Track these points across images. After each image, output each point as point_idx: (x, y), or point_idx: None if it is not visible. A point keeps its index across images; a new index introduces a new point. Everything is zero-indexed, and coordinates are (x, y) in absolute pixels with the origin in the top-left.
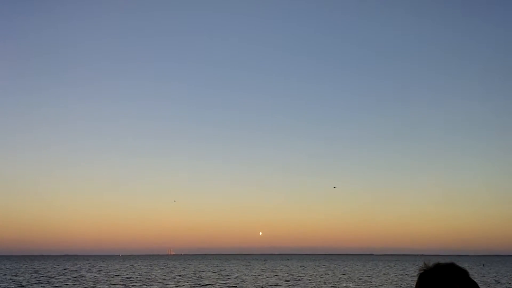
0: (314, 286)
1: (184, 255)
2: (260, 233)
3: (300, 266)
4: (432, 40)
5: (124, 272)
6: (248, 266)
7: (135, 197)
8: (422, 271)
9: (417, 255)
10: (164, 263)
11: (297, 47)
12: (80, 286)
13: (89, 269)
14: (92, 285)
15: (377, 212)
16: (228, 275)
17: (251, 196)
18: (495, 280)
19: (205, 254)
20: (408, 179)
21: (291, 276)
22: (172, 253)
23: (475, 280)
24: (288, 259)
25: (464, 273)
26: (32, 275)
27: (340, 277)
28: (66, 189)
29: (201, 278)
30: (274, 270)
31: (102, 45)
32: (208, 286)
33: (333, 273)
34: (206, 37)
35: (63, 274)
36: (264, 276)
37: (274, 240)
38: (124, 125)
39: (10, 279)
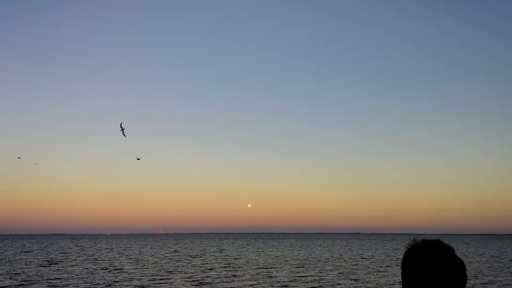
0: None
1: (173, 234)
2: (249, 205)
3: (299, 246)
4: (439, 31)
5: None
6: (253, 246)
7: (123, 176)
8: (409, 247)
9: (404, 233)
10: (162, 243)
11: (306, 33)
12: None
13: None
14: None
15: (365, 192)
16: (235, 258)
17: (239, 174)
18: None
19: (195, 233)
20: (396, 161)
21: (304, 256)
22: (161, 232)
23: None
24: (282, 239)
25: (450, 249)
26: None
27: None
28: (53, 169)
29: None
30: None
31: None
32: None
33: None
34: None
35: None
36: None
37: (262, 216)
38: (120, 105)
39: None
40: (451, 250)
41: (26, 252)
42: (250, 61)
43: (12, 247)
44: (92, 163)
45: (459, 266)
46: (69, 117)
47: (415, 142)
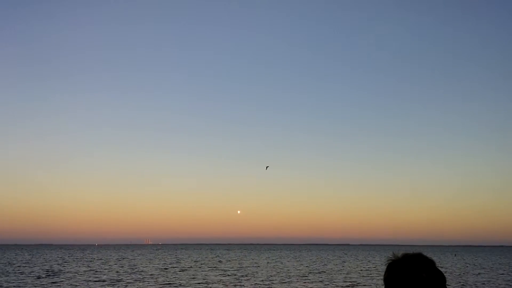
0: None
1: (161, 244)
2: (239, 212)
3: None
4: (439, 41)
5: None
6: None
7: (111, 186)
8: (390, 261)
9: (393, 245)
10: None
11: (302, 42)
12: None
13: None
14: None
15: (355, 203)
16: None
17: (229, 182)
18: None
19: (184, 244)
20: (386, 173)
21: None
22: (150, 242)
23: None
24: (274, 249)
25: (430, 262)
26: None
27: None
28: (39, 177)
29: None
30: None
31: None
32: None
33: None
34: (206, 29)
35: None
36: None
37: (252, 225)
38: (111, 114)
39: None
40: (431, 263)
41: (22, 263)
42: (246, 69)
43: (3, 258)
44: (80, 172)
45: (440, 278)
46: (58, 126)
47: (412, 153)
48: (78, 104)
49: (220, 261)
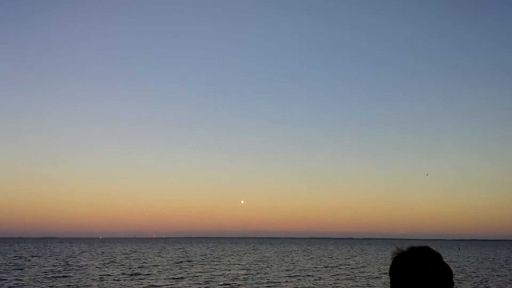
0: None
1: (165, 238)
2: (242, 202)
3: (306, 251)
4: (438, 37)
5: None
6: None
7: (114, 179)
8: (396, 255)
9: (396, 239)
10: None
11: (305, 36)
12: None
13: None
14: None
15: (359, 198)
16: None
17: (232, 175)
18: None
19: (188, 237)
20: (388, 167)
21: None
22: (154, 236)
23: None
24: (282, 244)
25: (437, 256)
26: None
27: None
28: (43, 171)
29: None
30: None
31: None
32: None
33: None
34: (207, 24)
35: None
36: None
37: (255, 218)
38: (115, 108)
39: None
40: (438, 256)
41: (33, 256)
42: (249, 64)
43: (12, 251)
44: (83, 166)
45: (446, 272)
46: (62, 119)
47: (414, 148)
48: (82, 97)
49: (233, 255)
